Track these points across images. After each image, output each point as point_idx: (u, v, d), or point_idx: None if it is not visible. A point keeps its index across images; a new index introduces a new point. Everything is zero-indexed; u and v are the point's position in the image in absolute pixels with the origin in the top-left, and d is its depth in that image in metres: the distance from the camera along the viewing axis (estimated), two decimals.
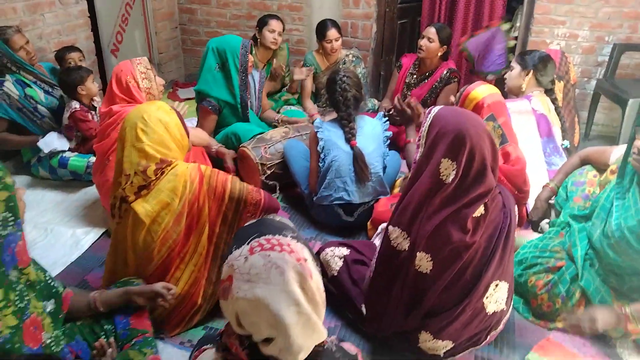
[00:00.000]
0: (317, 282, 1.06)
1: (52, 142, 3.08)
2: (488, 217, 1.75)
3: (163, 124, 1.91)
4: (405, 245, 1.76)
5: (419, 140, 1.76)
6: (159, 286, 1.81)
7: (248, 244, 1.07)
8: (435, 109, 1.76)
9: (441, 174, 1.69)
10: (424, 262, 1.76)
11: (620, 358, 1.95)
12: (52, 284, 1.68)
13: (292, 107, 3.78)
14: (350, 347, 1.18)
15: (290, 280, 1.01)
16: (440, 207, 1.70)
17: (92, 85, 3.11)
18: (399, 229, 1.77)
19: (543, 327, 2.10)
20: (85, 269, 2.41)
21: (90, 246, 2.59)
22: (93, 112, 3.15)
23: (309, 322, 1.01)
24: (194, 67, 5.15)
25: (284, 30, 3.79)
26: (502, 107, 2.24)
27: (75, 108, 3.03)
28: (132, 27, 4.31)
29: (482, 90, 2.21)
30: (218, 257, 2.04)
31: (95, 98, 3.20)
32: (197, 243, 1.98)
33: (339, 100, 2.58)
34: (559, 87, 2.97)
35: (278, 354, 1.02)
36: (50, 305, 1.65)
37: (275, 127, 3.52)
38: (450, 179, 1.67)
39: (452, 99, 2.47)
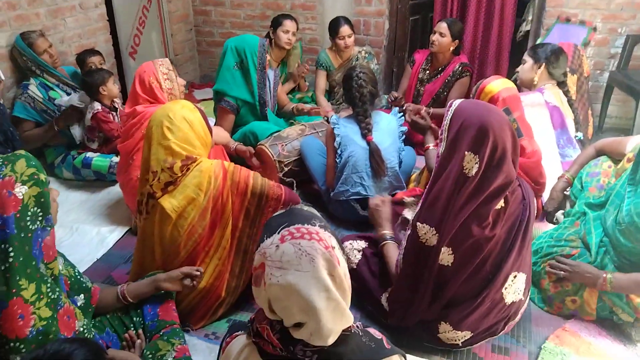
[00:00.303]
0: (344, 269, 1.11)
1: (71, 98, 3.20)
2: (508, 210, 1.78)
3: (188, 122, 1.98)
4: (434, 241, 1.78)
5: (441, 134, 1.78)
6: (185, 268, 1.89)
7: (279, 232, 1.11)
8: (456, 102, 1.77)
9: (464, 168, 1.70)
10: (445, 255, 1.79)
11: (635, 344, 1.99)
12: (81, 279, 1.75)
13: (308, 106, 3.82)
14: (375, 332, 1.23)
15: (320, 267, 1.06)
16: (465, 202, 1.72)
17: (113, 86, 3.20)
18: (428, 225, 1.78)
19: (557, 311, 2.13)
20: (111, 266, 2.49)
21: (115, 244, 2.67)
22: (114, 113, 3.24)
23: (338, 307, 1.06)
24: (209, 68, 5.24)
25: (297, 29, 3.85)
26: (517, 100, 2.28)
27: (98, 109, 3.12)
28: (149, 30, 4.39)
29: (498, 84, 2.24)
30: (241, 251, 2.11)
31: (115, 100, 3.29)
32: (221, 237, 2.05)
33: (356, 96, 2.63)
34: (572, 80, 2.99)
35: (309, 337, 1.07)
36: (80, 300, 1.72)
37: (292, 119, 3.57)
38: (474, 172, 1.69)
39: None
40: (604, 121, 3.96)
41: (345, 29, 3.77)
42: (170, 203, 1.95)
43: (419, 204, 1.88)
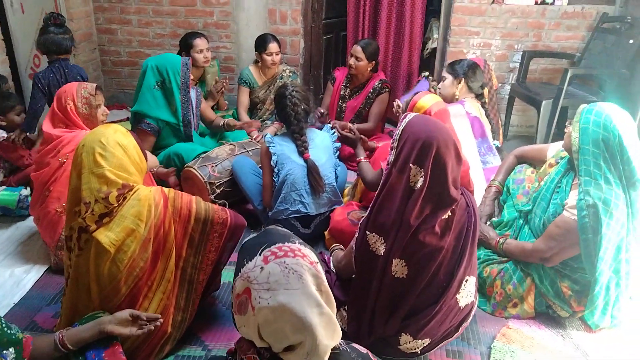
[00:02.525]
0: (327, 284, 1.10)
1: None
2: (455, 218, 1.85)
3: (122, 147, 1.84)
4: (382, 250, 1.82)
5: (392, 143, 1.83)
6: (126, 312, 1.72)
7: (260, 254, 1.08)
8: (409, 116, 1.83)
9: (410, 181, 1.76)
10: (399, 267, 1.83)
11: (570, 335, 2.14)
12: (8, 330, 1.55)
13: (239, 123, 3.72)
14: (359, 347, 1.21)
15: (309, 283, 1.04)
16: (412, 214, 1.76)
17: (15, 117, 2.91)
18: (377, 235, 1.82)
19: (499, 316, 2.25)
20: (32, 310, 2.23)
21: (34, 285, 2.39)
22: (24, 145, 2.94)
23: (330, 322, 1.04)
24: (115, 89, 4.96)
25: (209, 47, 3.77)
26: (447, 114, 2.39)
27: (2, 136, 2.80)
28: None
29: (428, 100, 2.34)
30: (186, 281, 1.99)
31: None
32: (165, 269, 1.91)
33: (290, 114, 2.61)
34: (484, 92, 3.20)
35: (305, 357, 1.03)
36: (10, 355, 1.52)
37: (223, 133, 3.46)
38: (419, 185, 1.75)
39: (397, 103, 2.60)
40: (507, 130, 4.29)
41: (273, 46, 3.77)
42: (107, 237, 1.78)
43: (368, 212, 1.92)
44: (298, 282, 1.02)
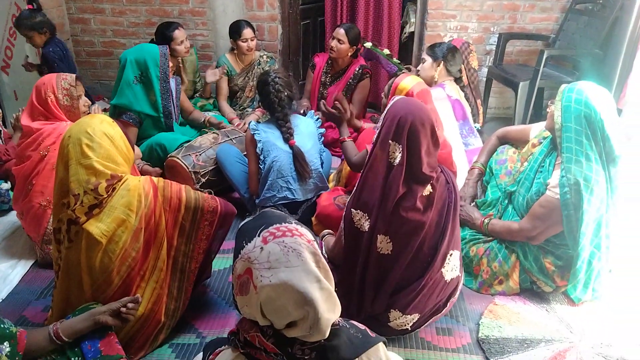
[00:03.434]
0: (324, 260, 1.14)
1: None
2: (436, 195, 1.92)
3: (109, 138, 1.82)
4: (366, 226, 1.88)
5: (377, 125, 1.89)
6: (125, 299, 1.74)
7: (259, 235, 1.11)
8: (393, 99, 1.91)
9: (389, 157, 1.85)
10: (384, 244, 1.90)
11: (554, 309, 2.22)
12: (1, 325, 1.54)
13: (211, 113, 3.70)
14: (357, 323, 1.25)
15: (308, 260, 1.07)
16: (391, 189, 1.84)
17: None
18: (361, 211, 1.89)
19: (485, 293, 2.32)
20: (21, 305, 2.21)
21: (21, 279, 2.37)
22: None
23: (330, 296, 1.08)
24: (90, 80, 4.85)
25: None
26: (428, 94, 2.42)
27: None
28: (22, 41, 3.92)
29: (409, 81, 2.37)
30: (177, 270, 1.99)
31: None
32: (157, 258, 1.91)
33: (274, 101, 2.61)
34: (462, 76, 3.25)
35: (308, 332, 1.06)
36: (5, 349, 1.52)
37: (203, 127, 3.45)
38: (398, 161, 1.83)
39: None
40: (486, 112, 4.35)
41: (248, 32, 3.72)
42: (97, 228, 1.77)
43: (354, 190, 1.97)
44: (298, 260, 1.06)
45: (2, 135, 2.88)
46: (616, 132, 2.03)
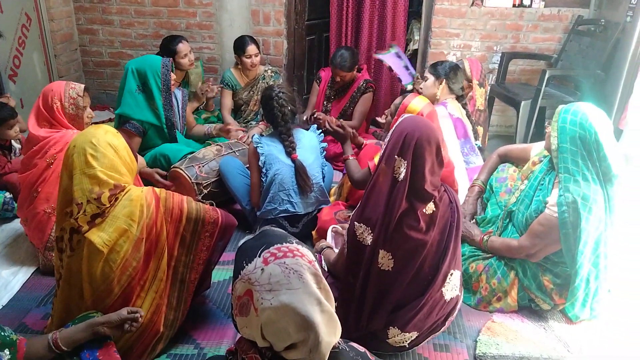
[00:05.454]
0: (325, 280, 1.13)
1: None
2: (439, 214, 1.92)
3: (113, 148, 1.85)
4: (369, 240, 1.89)
5: (383, 139, 1.91)
6: (124, 311, 1.74)
7: (259, 256, 1.09)
8: (403, 116, 1.95)
9: (395, 172, 1.86)
10: (385, 260, 1.90)
11: (552, 327, 2.22)
12: (1, 332, 1.56)
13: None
14: (357, 345, 1.24)
15: (309, 282, 1.06)
16: (395, 204, 1.85)
17: (8, 131, 2.89)
18: (364, 225, 1.90)
19: (483, 310, 2.32)
20: (21, 312, 2.22)
21: (22, 286, 2.38)
22: (6, 152, 2.91)
23: (331, 319, 1.07)
24: (97, 90, 4.91)
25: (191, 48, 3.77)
26: (435, 115, 2.46)
27: None
28: (30, 50, 4.01)
29: (419, 102, 2.40)
30: (177, 281, 2.01)
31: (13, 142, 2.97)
32: (157, 268, 1.93)
33: (277, 115, 2.64)
34: (480, 92, 3.29)
35: (308, 355, 1.05)
36: (5, 356, 1.53)
37: (208, 140, 3.48)
38: (402, 176, 1.84)
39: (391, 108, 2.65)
40: (488, 130, 4.38)
41: (252, 48, 3.76)
42: (99, 237, 1.79)
43: (359, 204, 1.98)
44: (299, 282, 1.05)
45: (21, 141, 2.92)
46: (613, 152, 2.04)
